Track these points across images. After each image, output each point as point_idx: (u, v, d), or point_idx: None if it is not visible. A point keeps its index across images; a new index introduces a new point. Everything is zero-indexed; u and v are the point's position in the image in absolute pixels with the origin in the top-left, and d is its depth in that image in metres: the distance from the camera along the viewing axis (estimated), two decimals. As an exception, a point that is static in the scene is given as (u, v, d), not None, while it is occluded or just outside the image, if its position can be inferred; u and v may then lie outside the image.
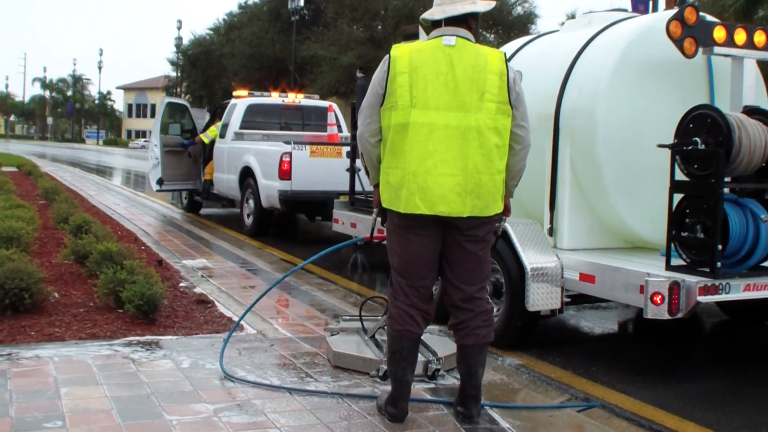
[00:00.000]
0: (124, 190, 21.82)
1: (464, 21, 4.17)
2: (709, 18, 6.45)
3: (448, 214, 4.00)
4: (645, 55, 6.31)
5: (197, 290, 7.54)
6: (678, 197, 5.47)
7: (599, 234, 6.52)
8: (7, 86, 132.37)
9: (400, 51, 4.11)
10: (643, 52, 6.32)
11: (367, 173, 4.40)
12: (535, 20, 44.21)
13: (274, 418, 4.19)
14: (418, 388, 4.70)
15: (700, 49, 6.00)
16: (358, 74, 10.38)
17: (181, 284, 7.80)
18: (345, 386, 4.79)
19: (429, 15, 4.23)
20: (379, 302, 6.21)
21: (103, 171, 34.33)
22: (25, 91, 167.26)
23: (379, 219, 4.43)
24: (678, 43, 5.88)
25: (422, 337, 4.51)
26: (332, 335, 5.64)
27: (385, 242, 4.39)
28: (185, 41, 66.47)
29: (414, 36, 9.03)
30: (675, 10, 6.12)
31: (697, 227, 5.27)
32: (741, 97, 6.15)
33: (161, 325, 6.14)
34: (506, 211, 4.32)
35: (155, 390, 4.56)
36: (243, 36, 50.77)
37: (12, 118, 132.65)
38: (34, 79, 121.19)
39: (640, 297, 5.25)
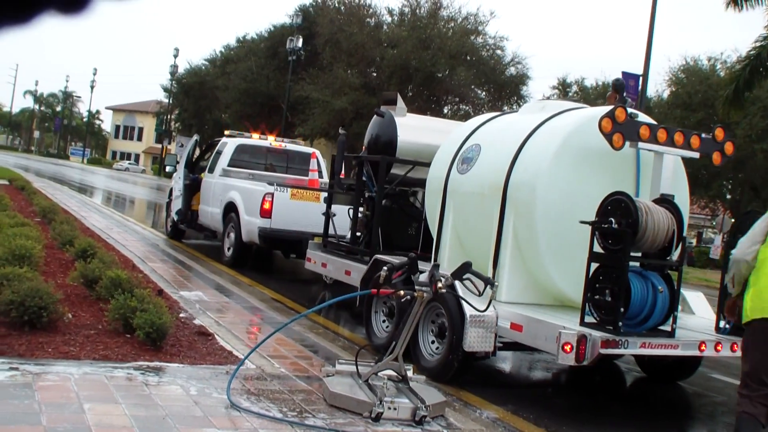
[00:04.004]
0: (114, 213, 22.43)
1: None
2: (642, 117, 7.55)
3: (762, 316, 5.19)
4: (583, 143, 7.33)
5: (197, 322, 8.06)
6: (595, 266, 6.54)
7: (533, 291, 7.53)
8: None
9: None
10: (582, 140, 7.34)
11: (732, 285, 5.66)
12: (527, 81, 44.27)
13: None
14: (406, 432, 5.41)
15: (627, 143, 7.08)
16: (341, 131, 11.33)
17: (181, 315, 8.29)
18: (340, 424, 5.25)
19: None
20: (369, 350, 7.05)
21: (85, 190, 34.90)
22: (13, 102, 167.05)
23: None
24: (608, 136, 6.91)
25: (411, 385, 5.58)
26: (328, 376, 6.09)
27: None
28: (180, 69, 67.53)
29: (392, 101, 10.14)
30: (610, 108, 7.21)
31: (606, 292, 6.35)
32: (659, 186, 7.24)
33: (167, 353, 6.53)
34: None
35: (169, 413, 4.97)
36: (238, 70, 51.26)
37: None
38: (26, 92, 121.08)
39: (555, 346, 6.29)
